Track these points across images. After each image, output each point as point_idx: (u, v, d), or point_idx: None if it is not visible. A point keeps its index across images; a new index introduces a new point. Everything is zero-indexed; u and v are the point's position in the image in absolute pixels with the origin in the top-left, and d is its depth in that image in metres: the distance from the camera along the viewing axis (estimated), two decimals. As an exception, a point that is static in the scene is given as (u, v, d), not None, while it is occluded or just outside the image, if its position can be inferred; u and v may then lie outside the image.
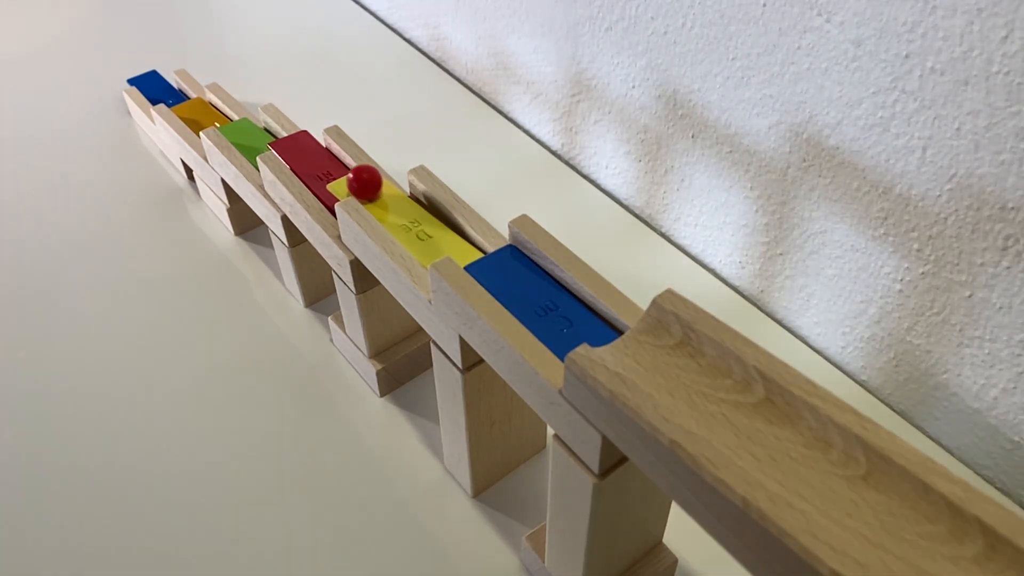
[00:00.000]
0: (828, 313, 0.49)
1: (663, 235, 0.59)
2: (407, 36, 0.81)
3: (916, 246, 0.42)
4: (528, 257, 0.36)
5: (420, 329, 0.49)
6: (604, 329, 0.32)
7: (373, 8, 0.85)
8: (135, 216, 0.61)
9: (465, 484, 0.43)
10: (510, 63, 0.67)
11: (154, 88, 0.68)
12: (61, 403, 0.48)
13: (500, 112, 0.71)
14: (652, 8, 0.51)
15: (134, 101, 0.67)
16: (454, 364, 0.36)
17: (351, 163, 0.47)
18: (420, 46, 0.80)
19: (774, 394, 0.25)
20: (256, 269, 0.57)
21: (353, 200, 0.40)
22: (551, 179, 0.64)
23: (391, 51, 0.79)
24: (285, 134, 0.53)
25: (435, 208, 0.42)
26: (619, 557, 0.36)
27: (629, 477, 0.31)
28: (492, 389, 0.38)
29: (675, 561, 0.38)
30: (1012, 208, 0.37)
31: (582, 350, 0.27)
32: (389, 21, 0.83)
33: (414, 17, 0.78)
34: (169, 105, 0.63)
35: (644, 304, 0.31)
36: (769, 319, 0.53)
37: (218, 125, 0.58)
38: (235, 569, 0.40)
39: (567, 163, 0.66)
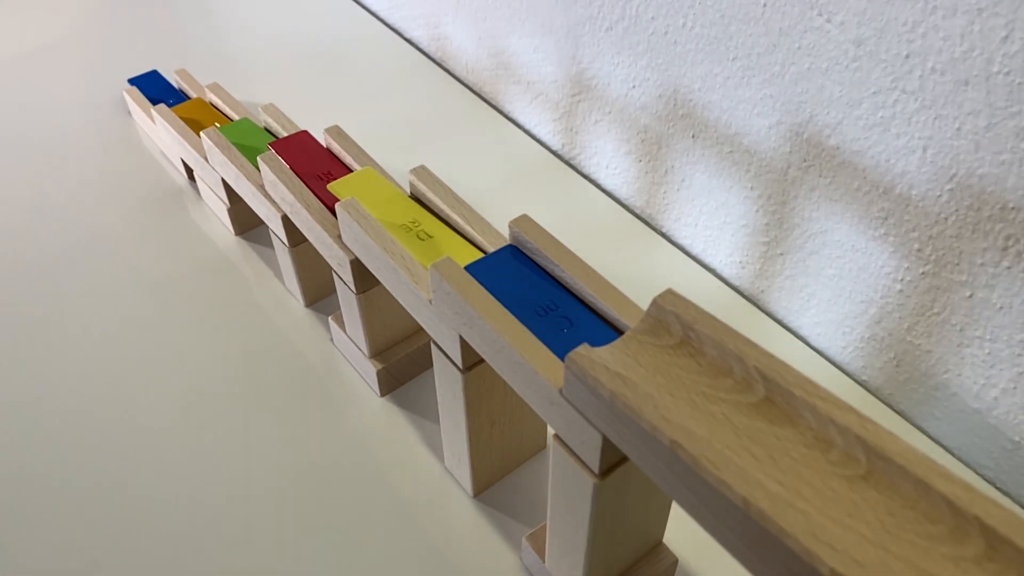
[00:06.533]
0: (828, 313, 0.49)
1: (663, 235, 0.59)
2: (407, 36, 0.81)
3: (916, 246, 0.42)
4: (528, 257, 0.36)
5: (420, 329, 0.49)
6: (604, 329, 0.32)
7: (373, 8, 0.85)
8: (135, 216, 0.61)
9: (465, 484, 0.43)
10: (510, 63, 0.67)
11: (154, 88, 0.68)
12: (61, 402, 0.48)
13: (500, 112, 0.71)
14: (652, 8, 0.51)
15: (134, 101, 0.67)
16: (454, 364, 0.36)
17: (352, 163, 0.47)
18: (420, 46, 0.80)
19: (774, 394, 0.25)
20: (256, 269, 0.57)
21: (354, 200, 0.40)
22: (551, 179, 0.64)
23: (391, 51, 0.79)
24: (285, 134, 0.53)
25: (435, 208, 0.42)
26: (619, 557, 0.36)
27: (629, 477, 0.31)
28: (492, 389, 0.38)
29: (675, 561, 0.38)
30: (1012, 208, 0.37)
31: (582, 350, 0.27)
32: (389, 21, 0.83)
33: (414, 17, 0.78)
34: (170, 105, 0.63)
35: (644, 304, 0.31)
36: (769, 319, 0.53)
37: (218, 125, 0.58)
38: (235, 569, 0.40)
39: (567, 163, 0.66)
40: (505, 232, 0.38)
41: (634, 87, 0.56)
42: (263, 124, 0.55)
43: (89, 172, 0.65)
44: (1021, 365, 0.40)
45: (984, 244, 0.39)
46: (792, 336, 0.52)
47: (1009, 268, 0.38)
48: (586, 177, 0.65)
